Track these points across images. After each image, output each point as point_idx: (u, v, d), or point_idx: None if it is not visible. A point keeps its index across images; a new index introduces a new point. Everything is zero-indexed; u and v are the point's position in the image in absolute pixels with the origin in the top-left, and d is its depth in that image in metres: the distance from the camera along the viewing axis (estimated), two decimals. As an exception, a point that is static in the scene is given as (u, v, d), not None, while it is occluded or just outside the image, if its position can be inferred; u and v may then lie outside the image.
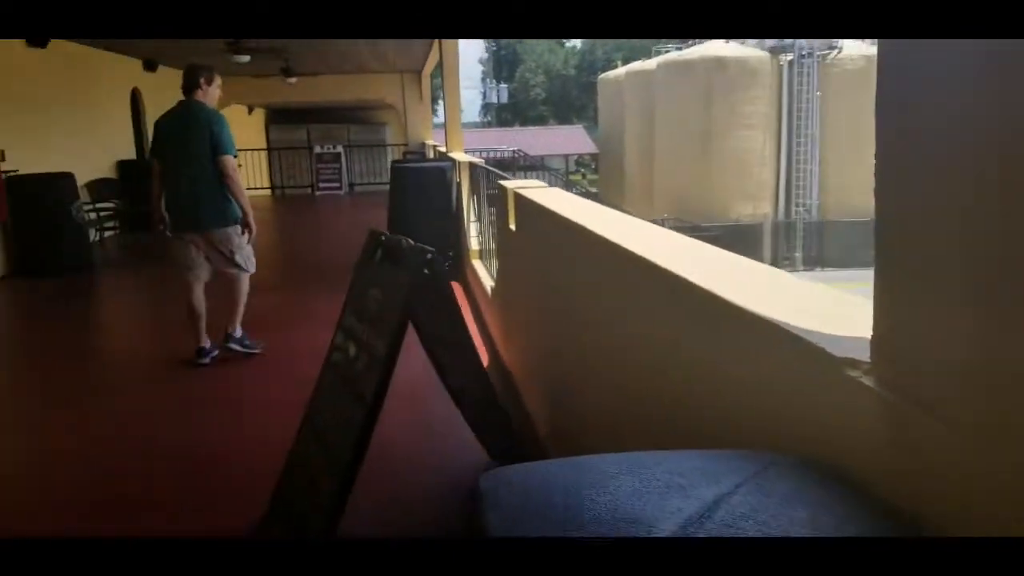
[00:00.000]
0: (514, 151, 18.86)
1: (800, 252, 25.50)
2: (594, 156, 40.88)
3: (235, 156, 4.78)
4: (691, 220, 22.14)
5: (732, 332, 1.46)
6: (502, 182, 4.49)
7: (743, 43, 27.67)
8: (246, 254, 4.95)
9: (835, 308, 1.45)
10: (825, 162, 26.16)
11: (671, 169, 27.61)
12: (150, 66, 12.74)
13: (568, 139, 38.31)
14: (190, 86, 4.75)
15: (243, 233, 4.86)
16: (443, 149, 12.37)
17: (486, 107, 59.11)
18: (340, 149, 17.43)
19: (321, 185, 16.91)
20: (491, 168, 6.65)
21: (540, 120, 52.27)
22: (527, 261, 3.90)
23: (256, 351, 5.12)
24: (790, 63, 26.55)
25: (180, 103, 4.81)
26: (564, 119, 52.09)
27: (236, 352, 5.04)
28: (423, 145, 17.13)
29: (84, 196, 9.43)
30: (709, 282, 1.56)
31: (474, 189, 7.51)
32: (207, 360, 4.98)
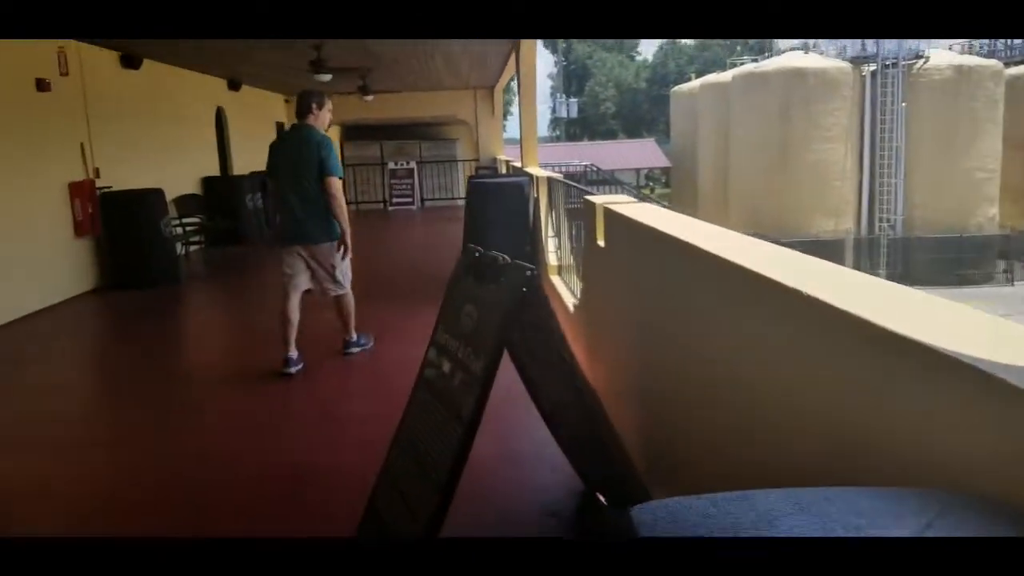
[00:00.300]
0: (586, 165, 18.76)
1: (884, 269, 24.63)
2: (664, 170, 40.39)
3: (341, 177, 5.10)
4: (768, 235, 21.58)
5: (885, 361, 1.35)
6: (589, 197, 4.41)
7: (823, 53, 27.07)
8: (344, 270, 5.22)
9: (984, 333, 1.33)
10: (910, 175, 25.32)
11: (747, 183, 27.12)
12: (234, 85, 13.14)
13: (640, 152, 38.00)
14: (303, 111, 5.06)
15: (339, 249, 5.10)
16: (517, 164, 12.38)
17: (555, 122, 59.17)
18: (413, 165, 17.64)
19: (395, 200, 17.14)
20: (572, 183, 6.58)
21: (610, 134, 52.02)
22: (617, 278, 3.81)
23: (371, 345, 5.57)
24: (873, 73, 25.85)
25: (293, 126, 5.15)
26: (634, 133, 51.71)
27: (355, 355, 5.46)
28: (495, 160, 17.20)
29: (171, 211, 9.75)
30: (856, 306, 1.46)
31: (552, 204, 7.45)
32: (293, 371, 5.10)
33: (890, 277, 23.77)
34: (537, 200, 7.84)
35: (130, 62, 9.42)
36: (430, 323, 2.86)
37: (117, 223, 8.55)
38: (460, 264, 3.12)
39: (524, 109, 9.59)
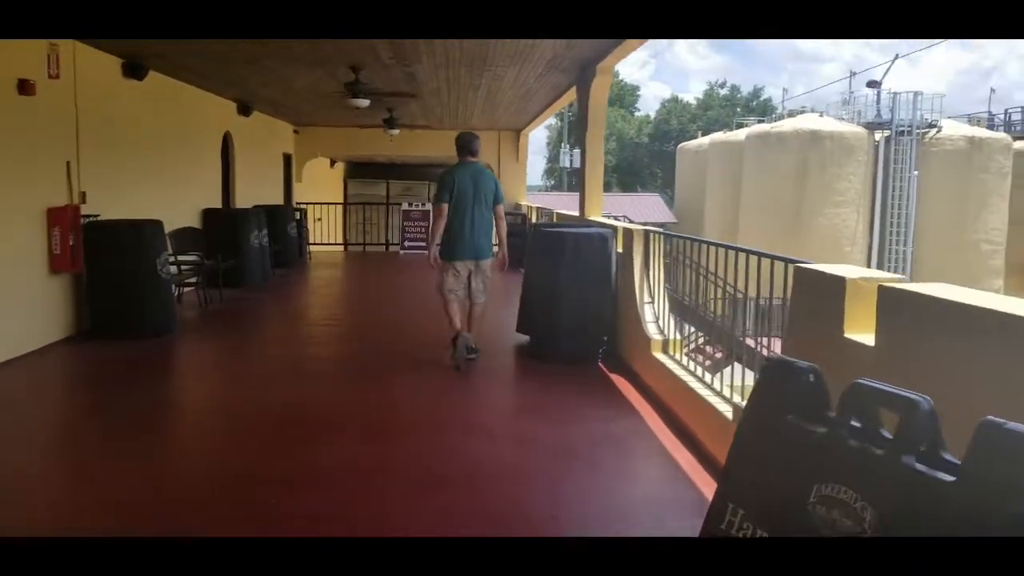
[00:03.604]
0: (615, 217, 17.56)
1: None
2: (660, 225, 39.44)
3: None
4: (776, 296, 20.62)
5: None
6: (822, 267, 3.09)
7: (839, 118, 26.59)
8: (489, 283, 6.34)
9: None
10: (919, 244, 25.20)
11: (757, 243, 26.25)
12: (244, 110, 11.80)
13: (645, 207, 37.11)
14: (473, 151, 6.29)
15: (501, 261, 6.45)
16: (564, 211, 11.21)
17: (548, 172, 59.24)
18: (429, 207, 16.36)
19: (407, 244, 15.78)
20: (708, 240, 5.26)
21: (604, 187, 51.34)
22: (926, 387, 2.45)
23: (476, 358, 6.28)
24: (886, 140, 25.49)
25: (464, 162, 6.24)
26: (629, 187, 51.07)
27: (475, 359, 6.22)
28: (517, 207, 15.96)
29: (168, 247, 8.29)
30: None
31: (648, 263, 6.12)
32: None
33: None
34: (621, 255, 6.51)
35: (135, 71, 8.03)
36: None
37: (104, 259, 7.08)
38: (772, 392, 1.74)
39: (589, 152, 8.31)
